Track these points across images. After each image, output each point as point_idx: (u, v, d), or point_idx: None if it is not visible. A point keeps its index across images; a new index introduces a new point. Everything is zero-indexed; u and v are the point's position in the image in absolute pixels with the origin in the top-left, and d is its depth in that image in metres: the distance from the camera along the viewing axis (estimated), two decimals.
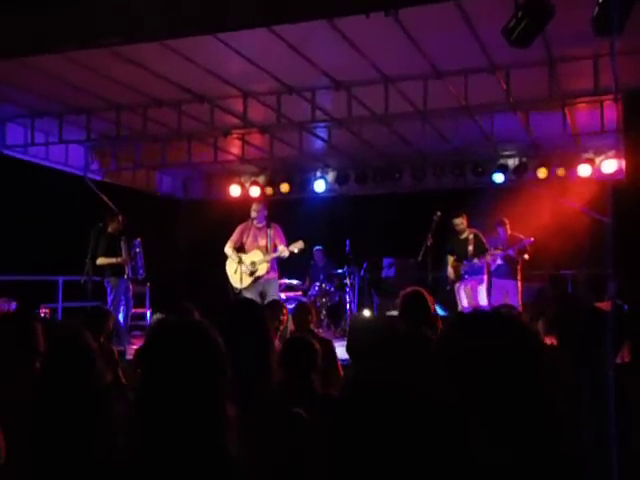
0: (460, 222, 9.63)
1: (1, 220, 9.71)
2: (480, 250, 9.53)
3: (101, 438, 2.83)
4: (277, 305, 6.34)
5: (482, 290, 9.53)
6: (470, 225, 9.71)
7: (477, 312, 1.36)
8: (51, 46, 6.64)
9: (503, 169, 11.03)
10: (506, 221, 10.03)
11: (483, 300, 9.52)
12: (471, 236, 9.62)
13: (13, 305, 9.02)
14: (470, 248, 9.54)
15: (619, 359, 5.46)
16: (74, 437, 2.93)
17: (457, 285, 9.65)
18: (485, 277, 9.61)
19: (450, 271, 9.70)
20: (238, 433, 1.68)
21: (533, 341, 1.32)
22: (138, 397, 1.69)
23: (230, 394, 1.71)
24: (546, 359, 1.98)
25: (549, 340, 3.40)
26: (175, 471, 1.57)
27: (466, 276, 9.55)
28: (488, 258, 9.54)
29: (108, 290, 8.96)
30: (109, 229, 9.20)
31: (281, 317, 6.03)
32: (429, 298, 4.57)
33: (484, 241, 9.64)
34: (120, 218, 9.34)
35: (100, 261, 8.89)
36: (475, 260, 9.47)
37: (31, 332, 4.18)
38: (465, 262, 9.54)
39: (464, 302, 9.56)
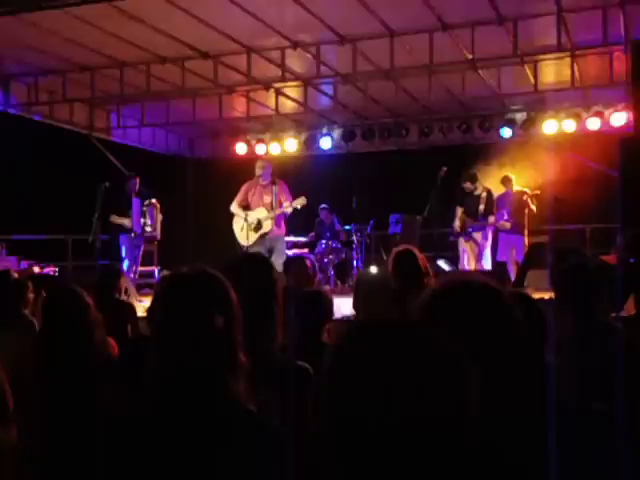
0: (467, 187, 9.67)
1: (9, 180, 9.75)
2: (490, 208, 9.54)
3: (102, 395, 2.91)
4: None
5: (487, 246, 9.55)
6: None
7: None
8: (52, 1, 6.57)
9: (511, 123, 10.91)
10: (511, 177, 9.97)
11: (487, 257, 9.53)
12: (484, 194, 9.62)
13: (24, 264, 9.12)
14: (481, 207, 9.54)
15: (624, 312, 5.49)
16: (76, 394, 3.01)
17: (461, 240, 9.65)
18: (490, 234, 9.61)
19: (457, 223, 9.69)
20: (249, 383, 1.70)
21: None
22: (152, 343, 1.71)
23: (242, 343, 1.73)
24: (537, 315, 1.98)
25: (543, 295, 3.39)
26: (190, 420, 1.60)
27: (471, 231, 9.55)
28: (492, 220, 9.53)
29: (120, 248, 9.04)
30: (126, 191, 9.23)
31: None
32: (420, 257, 4.56)
33: (494, 200, 9.64)
34: (134, 178, 9.36)
35: (113, 219, 8.96)
36: (480, 223, 9.50)
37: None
38: (475, 219, 9.55)
39: (465, 259, 9.58)
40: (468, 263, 9.54)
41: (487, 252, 9.56)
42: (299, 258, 6.02)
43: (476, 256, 9.50)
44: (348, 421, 0.97)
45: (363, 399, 0.96)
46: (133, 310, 5.54)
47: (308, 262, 5.51)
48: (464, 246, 9.64)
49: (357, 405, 0.97)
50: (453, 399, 0.96)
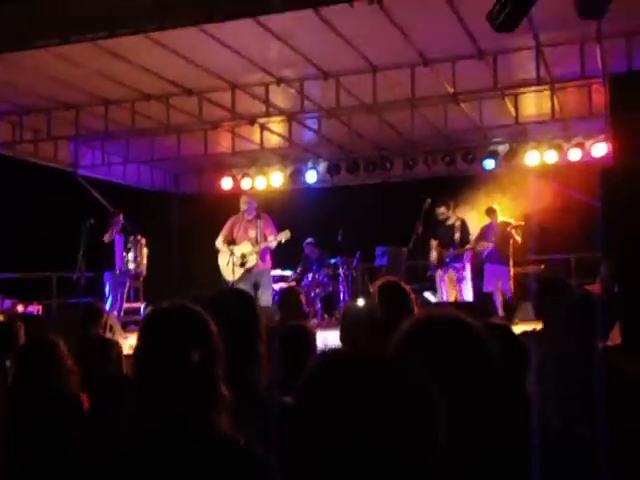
0: (442, 212, 9.60)
1: None
2: (465, 238, 9.49)
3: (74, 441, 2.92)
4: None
5: (467, 278, 9.45)
6: (457, 212, 9.74)
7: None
8: (34, 41, 6.62)
9: (493, 155, 11.03)
10: (495, 208, 10.05)
11: (468, 289, 9.43)
12: (457, 223, 9.57)
13: (7, 303, 9.02)
14: (457, 235, 9.48)
15: (610, 341, 5.49)
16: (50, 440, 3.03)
17: (439, 272, 9.55)
18: (468, 265, 9.53)
19: (434, 256, 9.63)
20: (232, 417, 1.70)
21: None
22: (134, 379, 1.71)
23: (224, 378, 1.72)
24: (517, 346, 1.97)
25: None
26: (174, 454, 1.59)
27: (449, 263, 9.46)
28: (471, 249, 9.46)
29: (105, 285, 8.99)
30: (110, 228, 9.19)
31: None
32: (405, 288, 4.53)
33: (469, 229, 9.61)
34: (120, 216, 9.35)
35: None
36: (459, 250, 9.42)
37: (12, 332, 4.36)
38: (451, 250, 9.48)
39: (444, 292, 9.45)
40: (448, 295, 9.40)
41: (467, 283, 9.46)
42: (291, 289, 6.04)
43: (456, 287, 9.38)
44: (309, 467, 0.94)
45: (326, 437, 0.93)
46: (118, 347, 5.48)
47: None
48: (442, 277, 9.53)
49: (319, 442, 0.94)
50: (421, 433, 0.94)
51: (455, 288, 9.38)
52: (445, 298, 9.30)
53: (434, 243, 9.63)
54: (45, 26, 6.57)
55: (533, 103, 9.32)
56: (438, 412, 0.96)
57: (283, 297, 5.87)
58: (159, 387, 1.66)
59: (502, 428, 1.23)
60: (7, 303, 9.01)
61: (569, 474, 1.44)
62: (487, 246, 9.63)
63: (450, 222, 9.61)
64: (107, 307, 8.67)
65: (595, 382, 2.62)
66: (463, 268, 9.45)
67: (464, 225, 9.60)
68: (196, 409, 1.65)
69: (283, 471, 0.99)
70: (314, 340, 3.62)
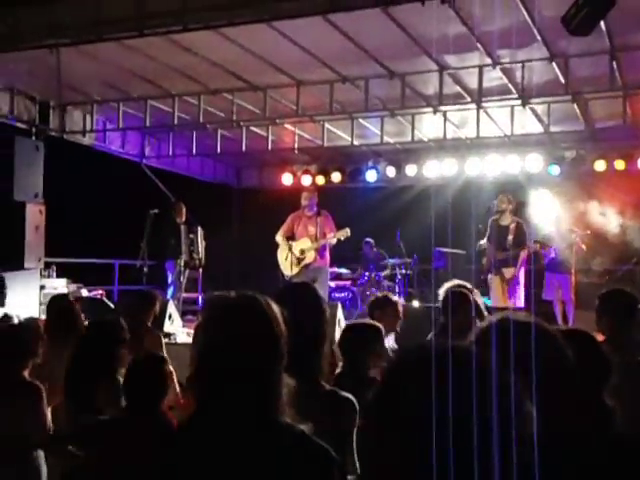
0: (501, 200, 9.11)
1: (60, 204, 10.00)
2: (520, 241, 9.00)
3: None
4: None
5: (519, 282, 8.94)
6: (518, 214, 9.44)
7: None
8: (108, 33, 6.80)
9: (559, 161, 10.78)
10: (560, 215, 9.83)
11: (520, 296, 8.89)
12: (513, 225, 9.08)
13: (72, 287, 9.30)
14: (510, 237, 8.99)
15: None
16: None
17: (490, 276, 9.08)
18: (522, 269, 9.01)
19: (485, 260, 9.23)
20: (293, 409, 1.69)
21: None
22: (193, 370, 1.71)
23: (285, 369, 1.71)
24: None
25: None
26: (228, 442, 1.60)
27: (500, 266, 8.95)
28: (524, 254, 8.96)
29: (167, 274, 9.19)
30: (175, 217, 9.41)
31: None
32: (465, 297, 4.46)
33: (525, 232, 9.11)
34: (182, 206, 9.55)
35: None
36: (513, 251, 8.92)
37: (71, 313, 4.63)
38: (504, 252, 8.97)
39: (493, 297, 8.95)
40: (496, 300, 8.87)
41: (520, 288, 8.93)
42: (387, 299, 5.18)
43: (506, 292, 8.85)
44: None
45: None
46: (159, 341, 5.61)
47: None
48: (492, 281, 9.06)
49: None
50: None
51: (504, 294, 8.86)
52: (494, 304, 8.77)
53: (489, 247, 9.15)
54: (119, 18, 6.74)
55: (603, 108, 9.06)
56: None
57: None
58: (220, 373, 1.65)
59: (578, 435, 1.21)
60: (72, 287, 9.30)
61: None
62: (549, 247, 9.33)
63: (505, 223, 9.14)
64: (169, 296, 8.86)
65: None
66: (517, 274, 8.93)
67: (520, 227, 9.10)
68: (260, 398, 1.64)
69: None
70: (377, 339, 3.63)
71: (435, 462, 0.88)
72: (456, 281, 4.89)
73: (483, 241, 9.22)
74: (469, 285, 4.63)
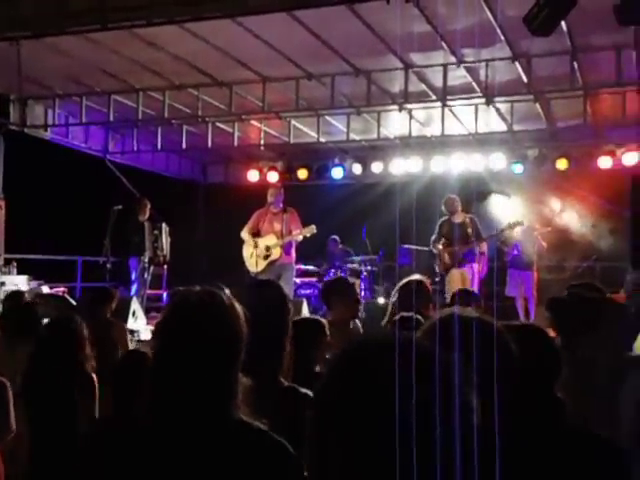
0: (450, 202, 9.28)
1: (22, 200, 9.84)
2: (478, 234, 9.18)
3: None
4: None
5: (475, 276, 9.07)
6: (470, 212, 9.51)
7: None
8: (72, 26, 6.70)
9: (522, 159, 10.93)
10: (523, 213, 9.98)
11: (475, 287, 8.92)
12: (467, 220, 9.26)
13: (33, 283, 9.16)
14: (469, 230, 9.13)
15: (632, 352, 5.45)
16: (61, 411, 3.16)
17: (453, 271, 9.14)
18: (480, 264, 9.18)
19: (446, 257, 9.25)
20: (252, 406, 1.69)
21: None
22: (152, 366, 1.70)
23: (246, 366, 1.70)
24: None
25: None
26: (184, 440, 1.59)
27: (466, 259, 9.07)
28: (484, 246, 9.16)
29: (130, 271, 9.10)
30: (139, 214, 9.32)
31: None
32: (424, 288, 4.50)
33: (479, 226, 9.31)
34: (147, 203, 9.46)
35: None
36: (479, 241, 9.08)
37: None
38: (466, 245, 9.09)
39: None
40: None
41: (475, 283, 9.04)
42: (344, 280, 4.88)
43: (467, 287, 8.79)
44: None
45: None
46: (123, 330, 5.58)
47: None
48: (455, 277, 9.10)
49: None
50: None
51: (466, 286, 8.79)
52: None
53: (440, 246, 9.26)
54: (82, 11, 6.64)
55: (564, 108, 9.22)
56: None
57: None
58: (177, 371, 1.64)
59: (526, 427, 1.24)
60: (33, 284, 9.15)
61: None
62: (512, 244, 9.44)
63: (459, 220, 9.28)
64: (132, 293, 8.78)
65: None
66: (475, 269, 9.08)
67: (474, 221, 9.29)
68: (216, 395, 1.63)
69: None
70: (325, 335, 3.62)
71: (378, 453, 0.89)
72: (416, 276, 4.91)
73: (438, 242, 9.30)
74: (426, 279, 4.66)
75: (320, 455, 1.02)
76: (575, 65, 7.64)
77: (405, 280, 4.66)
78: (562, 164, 10.58)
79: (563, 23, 6.27)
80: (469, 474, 0.91)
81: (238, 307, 1.74)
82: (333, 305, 4.43)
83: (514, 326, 1.71)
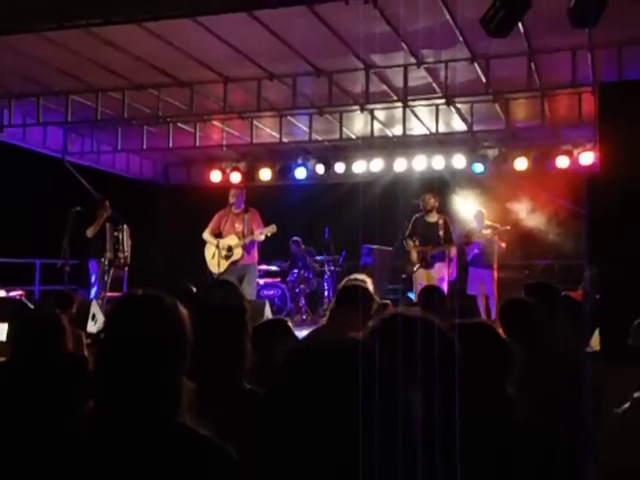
0: (427, 199, 9.28)
1: None
2: (449, 237, 9.26)
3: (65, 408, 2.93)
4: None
5: (445, 279, 9.12)
6: (443, 212, 9.61)
7: None
8: (27, 25, 6.58)
9: (482, 159, 11.07)
10: (483, 212, 10.11)
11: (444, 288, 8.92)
12: (441, 221, 9.33)
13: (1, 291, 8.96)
14: (441, 233, 9.21)
15: (589, 348, 5.56)
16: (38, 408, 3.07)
17: (421, 271, 9.19)
18: (447, 265, 9.23)
19: (414, 256, 9.29)
20: (198, 410, 1.68)
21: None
22: (95, 368, 1.69)
23: (187, 371, 1.70)
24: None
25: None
26: (128, 443, 1.58)
27: (435, 261, 9.16)
28: (454, 249, 9.21)
29: (90, 273, 8.96)
30: (98, 215, 9.18)
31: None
32: (362, 291, 4.20)
33: (451, 229, 9.41)
34: (106, 203, 9.32)
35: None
36: (445, 247, 9.14)
37: None
38: (435, 248, 9.16)
39: (417, 290, 8.86)
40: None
41: (444, 284, 9.01)
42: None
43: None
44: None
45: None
46: (80, 339, 5.47)
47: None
48: (421, 277, 9.15)
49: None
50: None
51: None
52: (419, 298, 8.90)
53: (411, 243, 9.31)
54: (38, 10, 6.52)
55: (523, 108, 9.37)
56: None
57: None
58: (118, 375, 1.63)
59: (475, 425, 1.25)
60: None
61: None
62: (473, 243, 9.54)
63: (432, 220, 9.36)
64: (92, 295, 8.66)
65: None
66: (443, 268, 9.14)
67: (447, 223, 9.38)
68: (159, 399, 1.62)
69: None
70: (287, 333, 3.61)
71: (324, 450, 0.90)
72: (357, 275, 4.84)
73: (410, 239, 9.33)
74: (366, 278, 4.58)
75: (273, 454, 1.03)
76: (532, 66, 7.77)
77: (344, 282, 4.59)
78: (521, 164, 10.76)
79: (520, 25, 6.37)
80: (412, 469, 0.92)
81: (182, 310, 1.74)
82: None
83: (466, 324, 1.74)
